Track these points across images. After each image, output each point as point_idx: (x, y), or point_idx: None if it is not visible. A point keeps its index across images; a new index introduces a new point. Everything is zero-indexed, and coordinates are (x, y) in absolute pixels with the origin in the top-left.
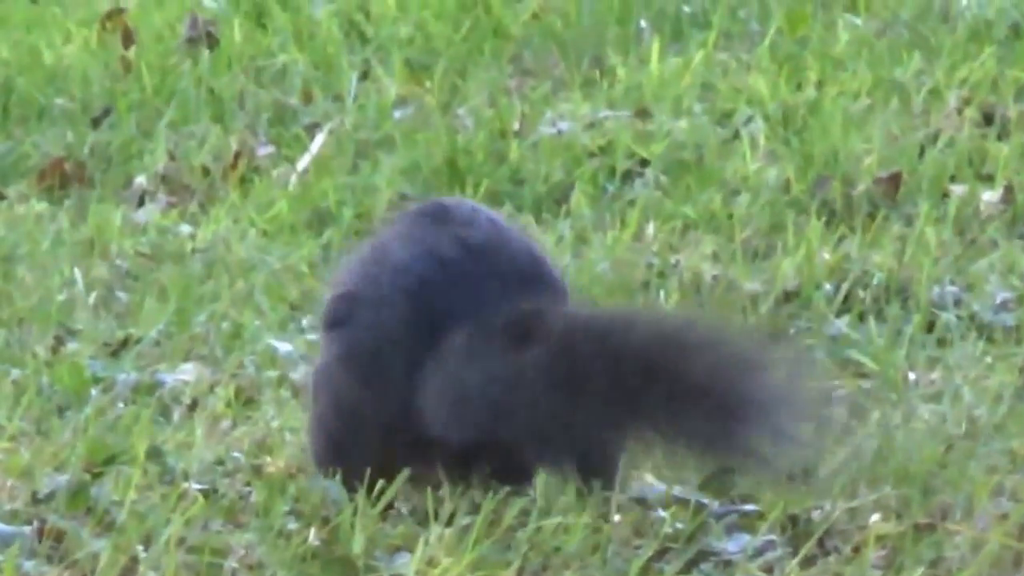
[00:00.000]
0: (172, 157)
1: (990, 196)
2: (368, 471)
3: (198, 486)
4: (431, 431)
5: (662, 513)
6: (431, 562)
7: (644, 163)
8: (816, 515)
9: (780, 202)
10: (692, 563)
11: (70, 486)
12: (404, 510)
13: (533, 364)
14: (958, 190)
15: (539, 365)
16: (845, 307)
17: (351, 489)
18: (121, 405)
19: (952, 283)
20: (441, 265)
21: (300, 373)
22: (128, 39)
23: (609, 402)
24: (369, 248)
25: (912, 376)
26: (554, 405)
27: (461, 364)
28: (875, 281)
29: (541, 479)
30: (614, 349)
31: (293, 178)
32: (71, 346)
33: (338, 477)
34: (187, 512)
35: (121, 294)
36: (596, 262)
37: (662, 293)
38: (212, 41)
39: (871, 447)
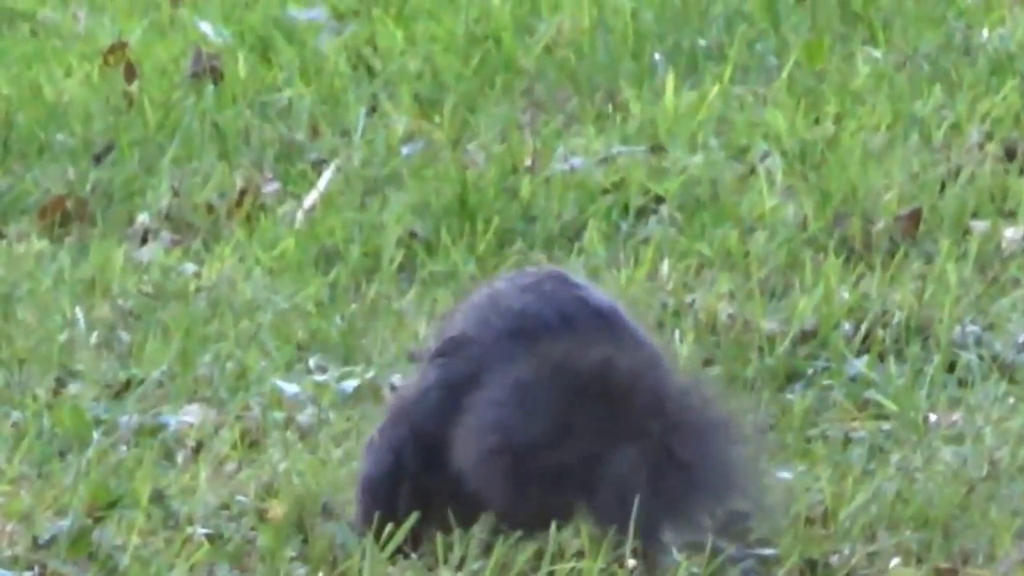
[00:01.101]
0: (176, 194)
1: (1012, 233)
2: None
3: (203, 531)
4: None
5: (677, 557)
6: None
7: (658, 200)
8: (835, 560)
9: (797, 239)
10: None
11: (71, 531)
12: (413, 554)
13: (514, 382)
14: (980, 227)
15: (517, 382)
16: (864, 347)
17: (392, 507)
18: (124, 448)
19: (973, 322)
20: (560, 317)
21: (307, 415)
22: (131, 74)
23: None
24: (485, 295)
25: (933, 417)
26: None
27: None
28: (895, 320)
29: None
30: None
31: (299, 215)
32: (72, 387)
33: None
34: (192, 557)
35: (123, 334)
36: None
37: (677, 333)
38: (216, 75)
39: (891, 490)
